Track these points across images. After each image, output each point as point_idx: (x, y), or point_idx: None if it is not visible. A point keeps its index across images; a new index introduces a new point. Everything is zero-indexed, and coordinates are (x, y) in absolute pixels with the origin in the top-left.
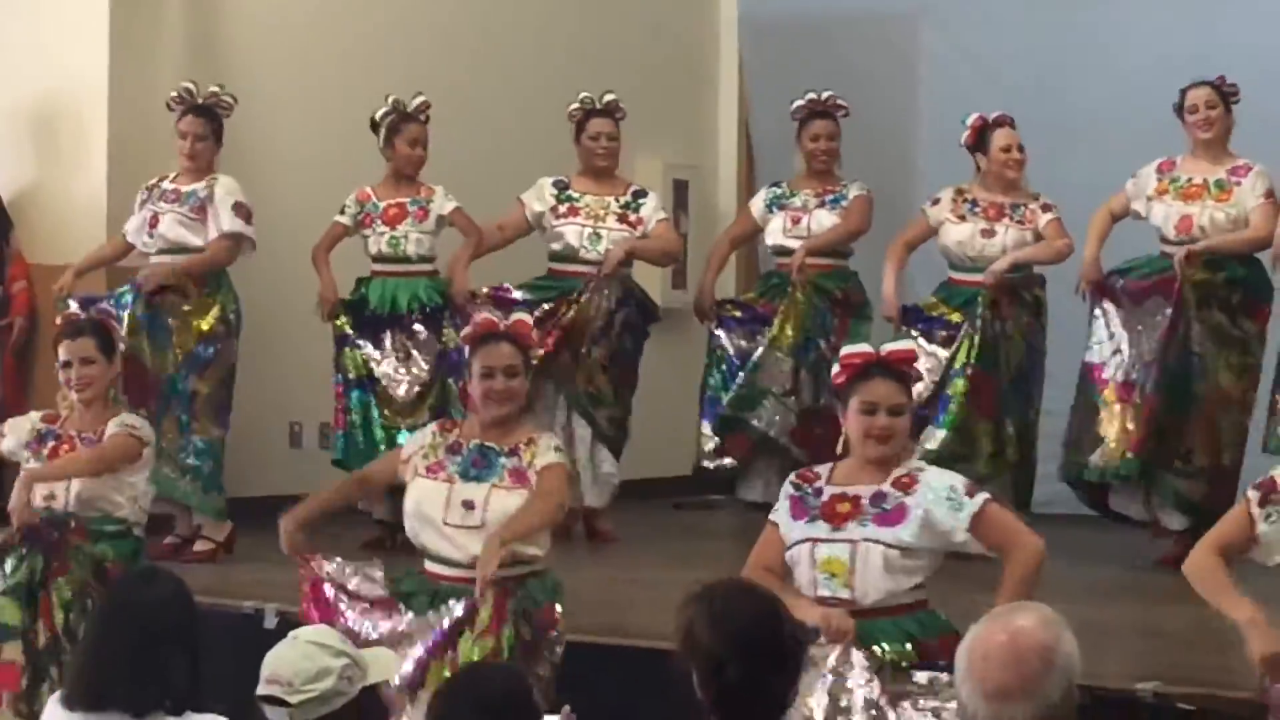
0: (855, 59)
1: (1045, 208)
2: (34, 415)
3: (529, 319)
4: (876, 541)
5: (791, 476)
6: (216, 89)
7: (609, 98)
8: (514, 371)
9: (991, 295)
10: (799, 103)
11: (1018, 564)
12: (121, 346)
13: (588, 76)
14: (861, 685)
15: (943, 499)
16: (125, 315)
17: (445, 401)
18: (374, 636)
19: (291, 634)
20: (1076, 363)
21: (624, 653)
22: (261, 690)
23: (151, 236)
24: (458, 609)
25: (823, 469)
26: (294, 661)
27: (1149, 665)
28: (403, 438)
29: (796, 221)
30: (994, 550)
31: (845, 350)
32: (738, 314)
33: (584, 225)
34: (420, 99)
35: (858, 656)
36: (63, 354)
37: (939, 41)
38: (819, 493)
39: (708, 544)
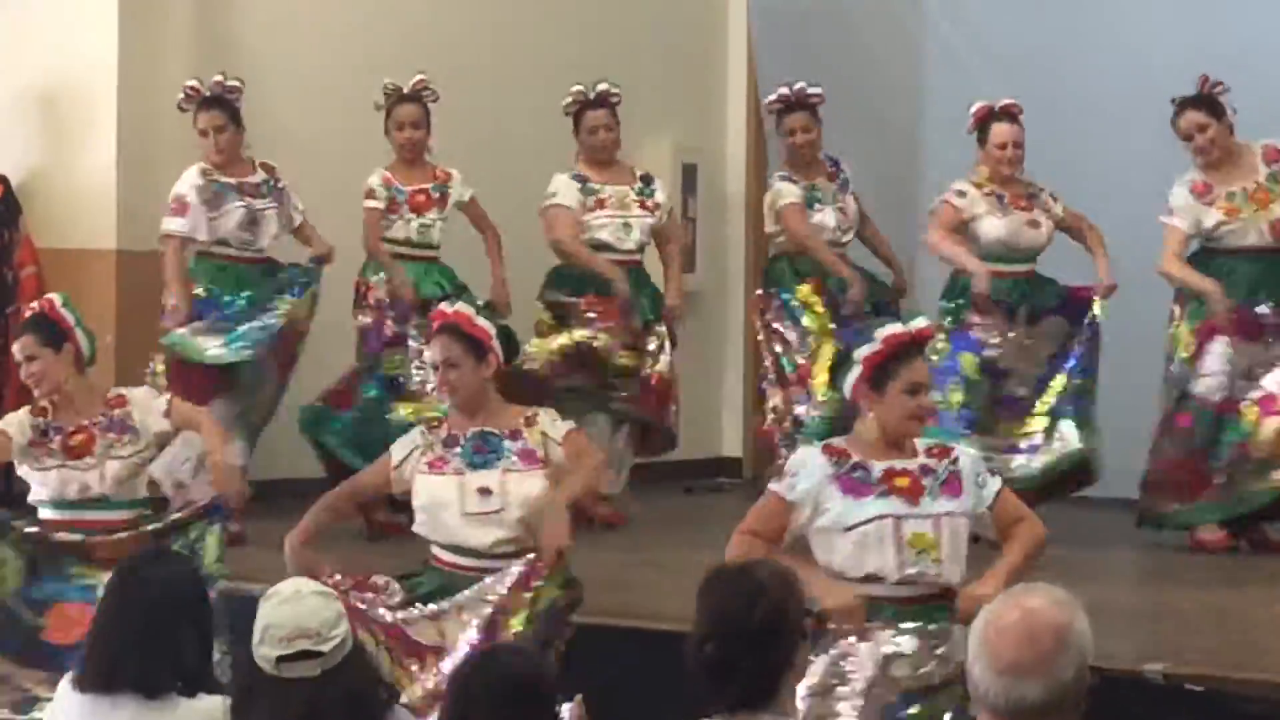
0: (864, 39)
1: (1054, 198)
2: (21, 413)
3: (468, 309)
4: (955, 514)
5: (821, 455)
6: (220, 77)
7: (601, 87)
8: (451, 364)
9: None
10: (771, 97)
11: (1027, 538)
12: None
13: (597, 58)
14: (857, 673)
15: (974, 472)
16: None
17: None
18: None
19: (285, 591)
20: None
21: (633, 635)
22: (285, 650)
23: (252, 235)
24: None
25: (839, 442)
26: (314, 612)
27: (1158, 646)
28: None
29: (844, 213)
30: (1002, 530)
31: (888, 330)
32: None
33: (613, 217)
34: (418, 78)
35: (867, 647)
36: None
37: (948, 21)
38: (868, 469)
39: (718, 527)
